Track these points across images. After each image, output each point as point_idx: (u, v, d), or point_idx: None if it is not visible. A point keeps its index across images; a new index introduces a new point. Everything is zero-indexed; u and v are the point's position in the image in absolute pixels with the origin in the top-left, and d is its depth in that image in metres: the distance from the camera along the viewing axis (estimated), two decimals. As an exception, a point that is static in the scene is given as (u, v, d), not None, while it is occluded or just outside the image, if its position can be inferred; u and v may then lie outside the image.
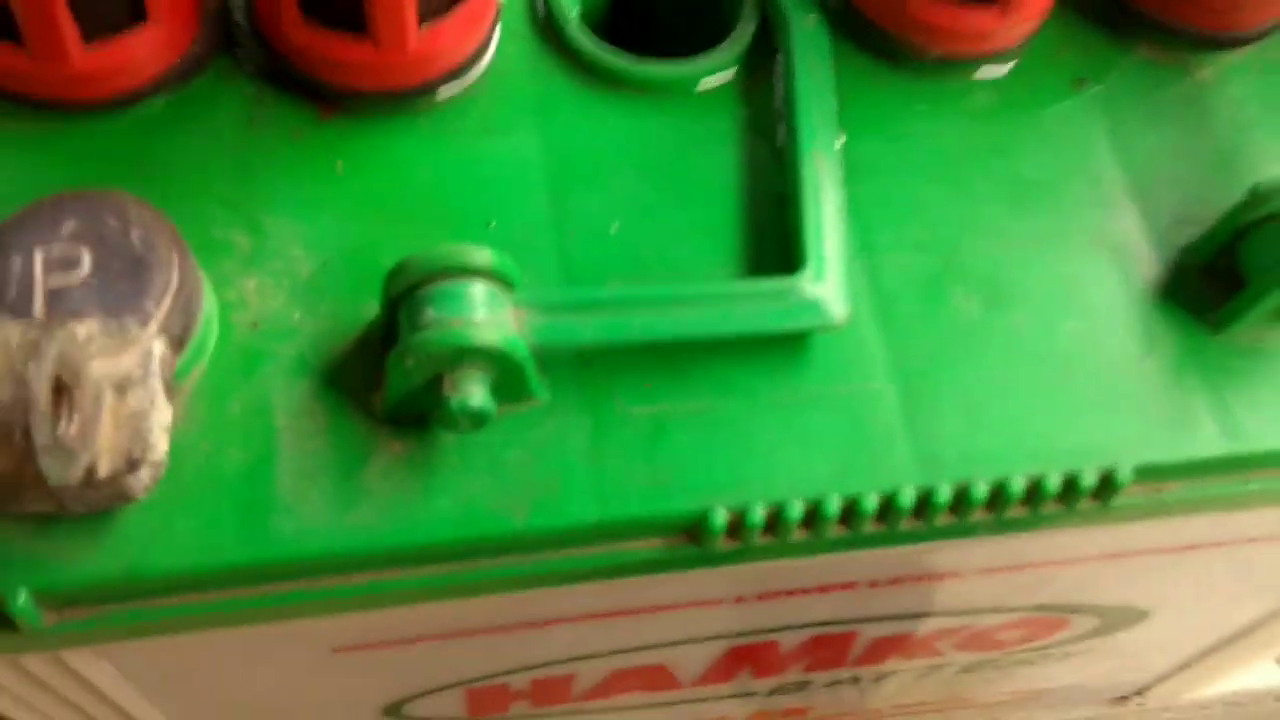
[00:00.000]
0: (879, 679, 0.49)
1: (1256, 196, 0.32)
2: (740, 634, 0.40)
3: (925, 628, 0.42)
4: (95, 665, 0.32)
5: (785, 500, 0.29)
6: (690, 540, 0.30)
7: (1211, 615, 0.48)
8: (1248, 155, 0.35)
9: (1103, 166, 0.35)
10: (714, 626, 0.39)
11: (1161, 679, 0.59)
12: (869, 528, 0.30)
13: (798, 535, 0.30)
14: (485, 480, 0.29)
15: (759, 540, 0.30)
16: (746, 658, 0.42)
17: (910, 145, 0.35)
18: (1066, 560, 0.38)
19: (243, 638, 0.30)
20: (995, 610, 0.42)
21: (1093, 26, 0.37)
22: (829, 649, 0.43)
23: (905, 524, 0.30)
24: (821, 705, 0.53)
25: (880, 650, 0.44)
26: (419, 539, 0.28)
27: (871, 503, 0.30)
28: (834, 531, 0.30)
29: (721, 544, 0.30)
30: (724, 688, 0.46)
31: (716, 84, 0.35)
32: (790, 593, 0.36)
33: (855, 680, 0.48)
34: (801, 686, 0.48)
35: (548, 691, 0.42)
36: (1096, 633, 0.47)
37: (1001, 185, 0.34)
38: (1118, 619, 0.46)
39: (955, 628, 0.43)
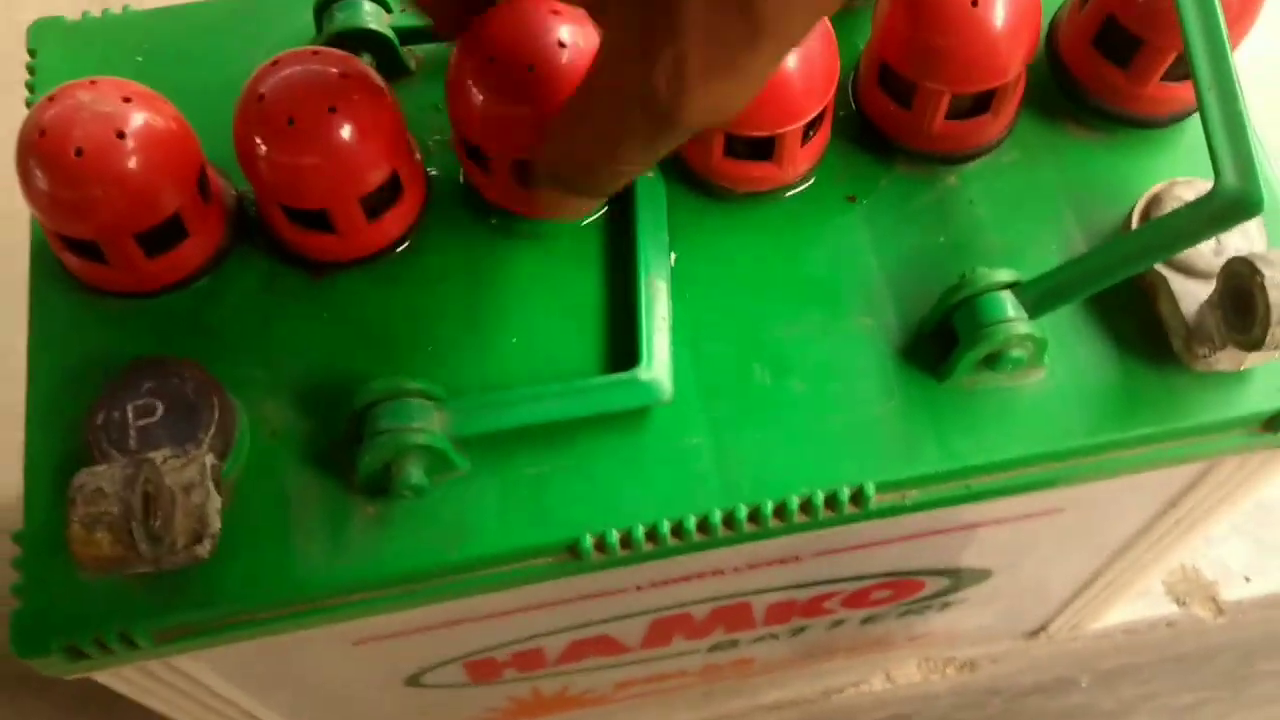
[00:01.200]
0: (795, 633, 0.63)
1: (962, 281, 0.45)
2: (654, 610, 0.54)
3: (804, 595, 0.56)
4: (194, 665, 0.47)
5: (632, 526, 0.43)
6: (571, 557, 0.44)
7: (1050, 568, 0.61)
8: (976, 245, 0.48)
9: (867, 264, 0.48)
10: (631, 607, 0.53)
11: (1056, 615, 0.72)
12: (694, 539, 0.44)
13: (645, 548, 0.44)
14: (429, 528, 0.43)
15: (619, 554, 0.44)
16: (671, 627, 0.57)
17: (726, 260, 0.48)
18: (880, 542, 0.51)
19: (285, 641, 0.45)
20: (852, 579, 0.55)
21: (863, 153, 0.50)
22: (734, 616, 0.57)
23: (720, 534, 0.44)
24: (761, 656, 0.67)
25: (779, 613, 0.58)
26: (385, 572, 0.43)
27: (691, 523, 0.43)
28: (670, 543, 0.44)
29: (593, 558, 0.44)
30: (668, 649, 0.60)
31: (591, 222, 0.49)
32: (673, 580, 0.50)
33: (775, 636, 0.62)
34: (733, 644, 0.62)
35: (527, 660, 0.57)
36: (955, 588, 0.60)
37: (790, 284, 0.47)
38: (966, 578, 0.59)
39: (830, 593, 0.57)
